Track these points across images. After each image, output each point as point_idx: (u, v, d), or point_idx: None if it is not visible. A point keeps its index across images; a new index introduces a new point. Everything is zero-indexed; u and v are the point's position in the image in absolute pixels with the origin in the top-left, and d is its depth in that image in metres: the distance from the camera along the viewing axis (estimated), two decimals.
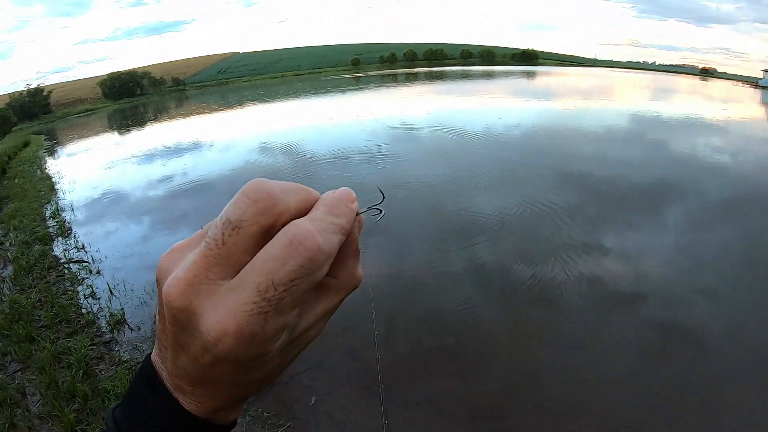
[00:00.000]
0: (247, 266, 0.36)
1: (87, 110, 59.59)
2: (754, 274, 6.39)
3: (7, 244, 8.71)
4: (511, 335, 4.89)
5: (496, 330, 4.92)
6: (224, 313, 0.35)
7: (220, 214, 0.37)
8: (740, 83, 71.54)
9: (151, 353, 0.43)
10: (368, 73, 74.31)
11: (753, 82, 68.07)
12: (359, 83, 54.03)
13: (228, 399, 0.41)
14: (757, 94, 52.12)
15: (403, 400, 4.04)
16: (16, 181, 14.67)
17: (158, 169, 14.66)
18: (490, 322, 5.11)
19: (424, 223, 8.07)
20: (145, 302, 6.04)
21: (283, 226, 0.36)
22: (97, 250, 7.93)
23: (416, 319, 5.32)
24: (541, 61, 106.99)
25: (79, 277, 6.94)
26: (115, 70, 75.45)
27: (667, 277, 6.26)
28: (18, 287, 6.71)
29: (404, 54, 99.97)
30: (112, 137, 29.03)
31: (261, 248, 0.36)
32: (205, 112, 38.40)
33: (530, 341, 4.85)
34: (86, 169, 16.40)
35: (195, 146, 18.48)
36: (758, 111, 33.39)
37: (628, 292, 5.80)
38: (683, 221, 8.28)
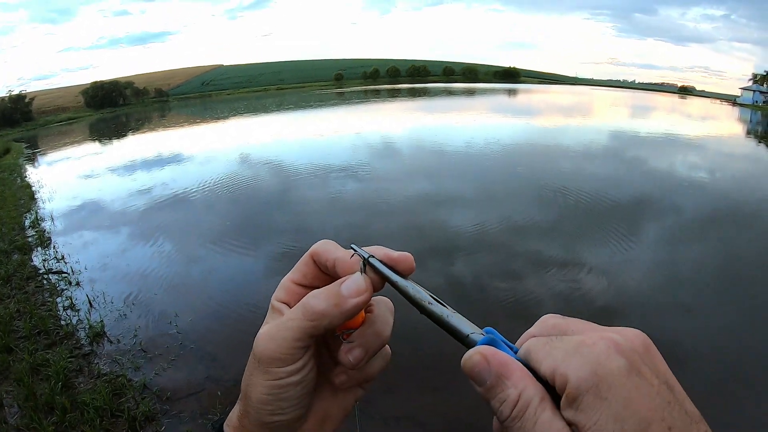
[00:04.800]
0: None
1: (69, 119, 58.92)
2: (727, 289, 6.54)
3: None
4: None
5: None
6: None
7: None
8: (719, 101, 72.93)
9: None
10: (351, 89, 74.63)
11: (731, 99, 69.52)
12: (343, 98, 54.21)
13: None
14: (735, 111, 53.34)
15: (382, 416, 4.07)
16: None
17: (138, 180, 14.55)
18: None
19: (403, 238, 8.13)
20: (124, 315, 6.00)
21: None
22: (76, 261, 7.85)
23: (393, 334, 5.32)
24: (522, 78, 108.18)
25: (58, 288, 6.86)
26: (98, 79, 74.93)
27: (644, 292, 6.37)
28: None
29: (387, 70, 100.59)
30: (93, 147, 28.78)
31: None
32: (187, 124, 38.23)
33: None
34: (66, 178, 16.25)
35: (175, 158, 18.38)
36: (736, 128, 34.13)
37: (604, 307, 5.89)
38: (660, 237, 8.43)
